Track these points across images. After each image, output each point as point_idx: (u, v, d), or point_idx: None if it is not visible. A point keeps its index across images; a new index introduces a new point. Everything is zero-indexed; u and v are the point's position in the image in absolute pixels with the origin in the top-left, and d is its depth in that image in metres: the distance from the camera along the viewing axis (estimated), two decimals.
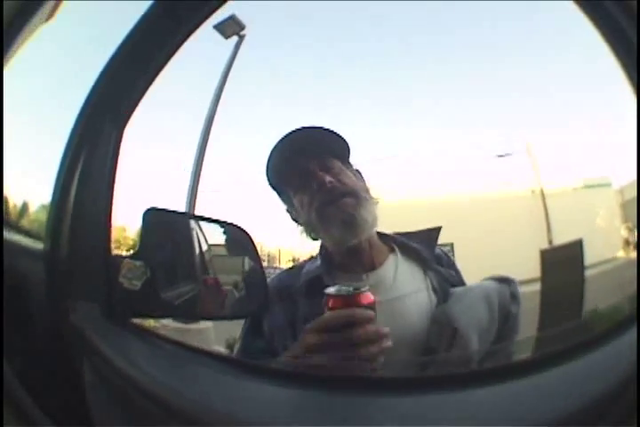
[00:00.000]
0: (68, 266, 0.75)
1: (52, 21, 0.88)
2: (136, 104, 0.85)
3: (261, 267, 1.02)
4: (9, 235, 0.78)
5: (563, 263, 1.42)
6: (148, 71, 0.84)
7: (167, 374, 0.63)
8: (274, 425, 0.49)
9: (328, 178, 1.06)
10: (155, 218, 0.86)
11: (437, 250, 1.15)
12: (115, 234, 0.79)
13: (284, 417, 0.52)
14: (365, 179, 1.18)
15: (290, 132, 1.10)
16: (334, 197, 1.05)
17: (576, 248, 1.40)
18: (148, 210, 0.85)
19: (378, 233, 1.14)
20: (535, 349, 0.95)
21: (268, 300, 1.04)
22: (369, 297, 0.82)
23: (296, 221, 1.18)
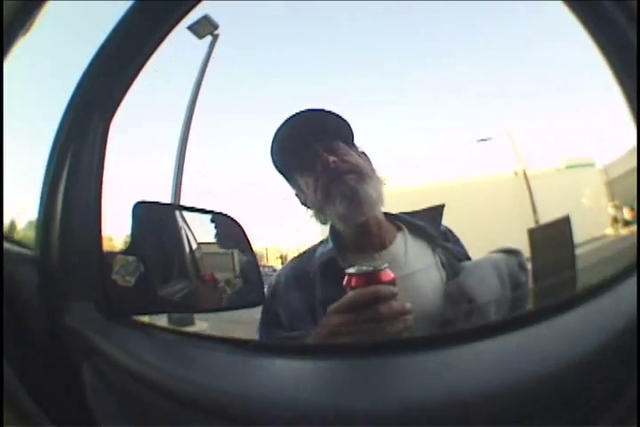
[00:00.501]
0: (61, 267, 0.74)
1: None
2: (120, 101, 0.85)
3: (254, 256, 1.03)
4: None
5: (552, 241, 1.42)
6: (130, 68, 0.84)
7: (175, 363, 0.62)
8: (288, 400, 0.49)
9: (332, 158, 1.07)
10: (144, 212, 0.85)
11: (442, 227, 1.18)
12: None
13: (301, 391, 0.51)
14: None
15: (292, 115, 1.10)
16: (338, 175, 1.07)
17: (564, 225, 1.40)
18: (138, 204, 0.83)
19: (383, 213, 1.15)
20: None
21: (264, 290, 1.03)
22: (389, 274, 0.83)
23: (305, 205, 1.19)
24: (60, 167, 0.79)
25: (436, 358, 0.54)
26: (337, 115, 1.12)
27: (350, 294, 0.82)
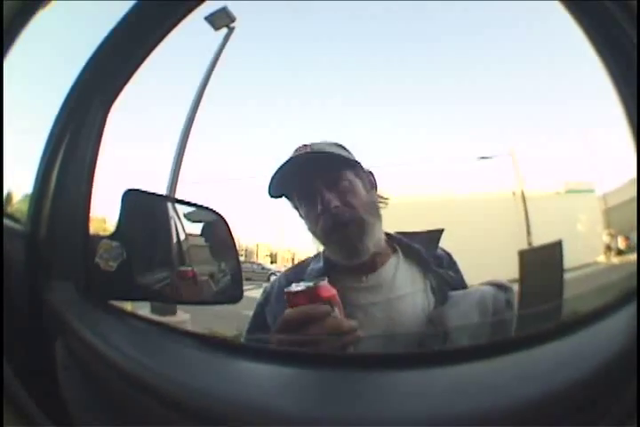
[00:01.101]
0: (47, 244, 0.75)
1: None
2: (122, 87, 0.85)
3: (237, 254, 1.03)
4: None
5: (542, 264, 1.42)
6: (135, 55, 0.84)
7: (144, 353, 0.62)
8: (254, 402, 0.49)
9: (334, 202, 1.04)
10: (134, 199, 0.85)
11: (440, 251, 1.17)
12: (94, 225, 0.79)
13: (267, 394, 0.51)
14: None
15: (295, 152, 1.09)
16: (338, 225, 1.04)
17: (555, 249, 1.40)
18: (128, 190, 0.83)
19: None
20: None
21: (242, 288, 1.02)
22: (328, 290, 0.81)
23: (303, 219, 1.16)
24: (57, 147, 0.79)
25: (418, 377, 0.54)
26: (337, 144, 1.13)
27: (285, 314, 0.81)
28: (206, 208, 1.00)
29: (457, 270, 1.16)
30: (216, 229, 1.01)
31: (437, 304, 1.04)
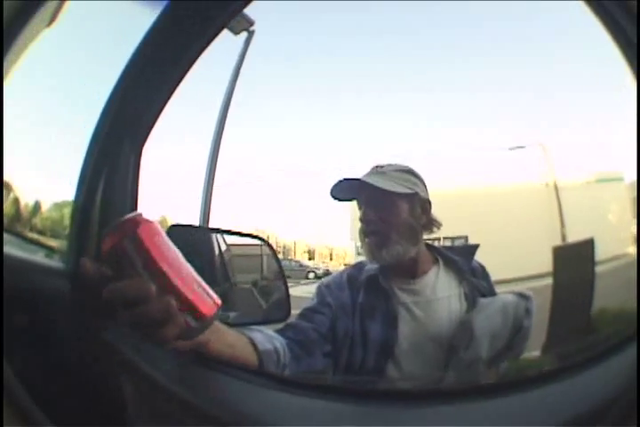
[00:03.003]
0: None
1: (54, 25, 0.88)
2: (152, 127, 0.86)
3: (283, 274, 1.09)
4: (25, 254, 0.75)
5: (574, 260, 1.45)
6: (162, 92, 0.85)
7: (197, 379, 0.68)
8: None
9: (366, 214, 1.21)
10: (178, 233, 0.89)
11: (475, 263, 1.30)
12: None
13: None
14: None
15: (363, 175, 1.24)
16: (364, 232, 1.22)
17: (587, 246, 1.44)
18: (172, 226, 0.89)
19: (426, 244, 1.27)
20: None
21: (290, 309, 1.15)
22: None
23: None
24: (93, 191, 0.78)
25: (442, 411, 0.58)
26: (407, 170, 1.25)
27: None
28: (248, 234, 1.07)
29: (488, 280, 1.28)
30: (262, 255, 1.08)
31: (468, 309, 1.17)
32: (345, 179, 1.20)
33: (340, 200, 1.28)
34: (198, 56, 0.85)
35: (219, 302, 0.61)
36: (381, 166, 1.24)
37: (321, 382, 0.89)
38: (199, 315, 0.59)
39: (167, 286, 0.57)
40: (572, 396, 0.55)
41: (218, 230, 1.15)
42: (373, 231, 1.20)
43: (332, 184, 1.23)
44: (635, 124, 0.58)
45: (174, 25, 0.79)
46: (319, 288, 1.26)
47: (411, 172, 1.25)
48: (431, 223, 1.25)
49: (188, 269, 0.61)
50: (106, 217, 0.76)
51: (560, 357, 0.97)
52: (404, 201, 1.20)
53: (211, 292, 0.61)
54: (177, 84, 0.86)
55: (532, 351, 1.18)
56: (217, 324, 0.73)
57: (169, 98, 0.86)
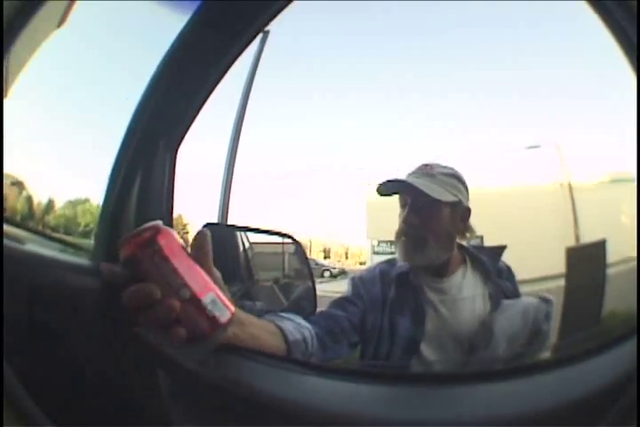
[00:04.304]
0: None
1: (65, 26, 0.94)
2: (189, 126, 0.90)
3: (311, 272, 1.15)
4: (55, 253, 0.79)
5: (586, 261, 1.48)
6: (201, 93, 0.87)
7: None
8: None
9: (409, 218, 1.25)
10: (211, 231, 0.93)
11: (501, 264, 1.35)
12: None
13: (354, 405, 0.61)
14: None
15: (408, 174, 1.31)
16: (400, 232, 1.27)
17: (600, 248, 1.47)
18: (206, 225, 0.94)
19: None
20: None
21: (316, 302, 1.25)
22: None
23: None
24: (126, 193, 0.81)
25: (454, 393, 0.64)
26: (453, 174, 1.29)
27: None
28: (278, 233, 1.13)
29: (513, 282, 1.33)
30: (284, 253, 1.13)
31: (492, 309, 1.22)
32: (394, 179, 1.24)
33: (384, 196, 1.31)
34: (237, 57, 0.88)
35: (233, 309, 0.64)
36: (430, 167, 1.27)
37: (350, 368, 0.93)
38: (215, 323, 0.62)
39: (184, 294, 0.60)
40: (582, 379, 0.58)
41: (249, 229, 1.20)
42: (412, 234, 1.24)
43: (380, 182, 1.25)
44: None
45: (212, 26, 0.80)
46: (353, 280, 1.32)
47: (457, 177, 1.28)
48: (467, 230, 1.29)
49: (204, 277, 0.64)
50: (143, 216, 0.80)
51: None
52: (447, 209, 1.24)
53: (226, 300, 0.64)
54: (215, 85, 0.89)
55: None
56: (241, 316, 0.76)
57: (207, 99, 0.89)
